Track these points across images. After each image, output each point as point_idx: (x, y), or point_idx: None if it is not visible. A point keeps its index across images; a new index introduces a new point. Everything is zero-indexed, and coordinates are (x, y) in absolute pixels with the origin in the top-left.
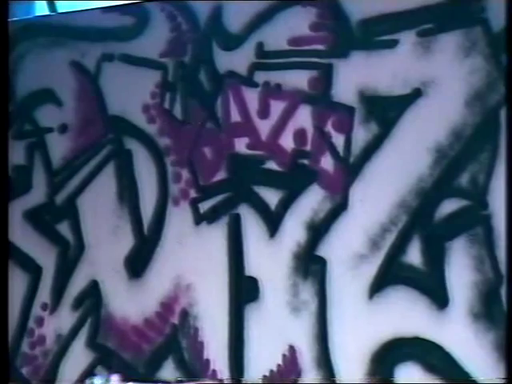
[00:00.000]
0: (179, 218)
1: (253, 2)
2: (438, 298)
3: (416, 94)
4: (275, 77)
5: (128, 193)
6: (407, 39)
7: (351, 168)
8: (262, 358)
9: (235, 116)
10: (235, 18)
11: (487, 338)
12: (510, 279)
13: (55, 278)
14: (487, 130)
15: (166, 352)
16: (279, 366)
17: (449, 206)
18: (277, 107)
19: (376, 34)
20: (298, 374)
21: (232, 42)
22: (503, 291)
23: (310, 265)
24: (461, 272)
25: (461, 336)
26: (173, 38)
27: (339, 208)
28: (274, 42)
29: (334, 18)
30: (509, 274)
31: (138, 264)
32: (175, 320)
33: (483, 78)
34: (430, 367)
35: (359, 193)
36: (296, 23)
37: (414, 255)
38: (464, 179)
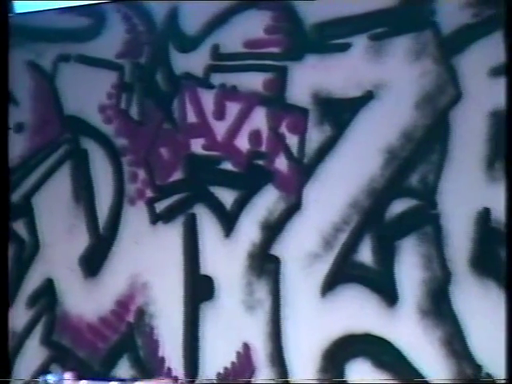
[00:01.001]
0: (135, 217)
1: (208, 5)
2: (388, 295)
3: (368, 97)
4: (231, 79)
5: (84, 192)
6: (359, 43)
7: (305, 169)
8: (216, 355)
9: (191, 117)
10: (191, 20)
11: (435, 335)
12: (509, 278)
13: (10, 276)
14: (437, 131)
15: (121, 350)
16: (233, 363)
17: (399, 206)
18: (232, 109)
19: (329, 37)
20: (252, 371)
21: (188, 44)
22: (451, 288)
23: (264, 264)
24: (410, 270)
25: (410, 332)
26: (129, 40)
27: (293, 208)
28: (230, 45)
29: (289, 22)
30: (508, 273)
31: (93, 263)
32: (131, 318)
33: (433, 80)
34: (380, 363)
35: (313, 193)
36: (251, 26)
37: (366, 254)
38: (414, 179)
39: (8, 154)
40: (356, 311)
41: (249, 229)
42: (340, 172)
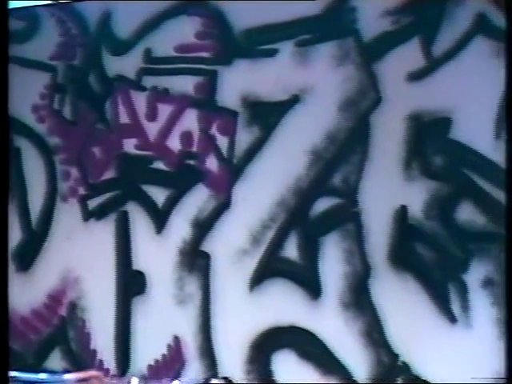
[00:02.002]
0: (68, 214)
1: (141, 8)
2: (312, 289)
3: (294, 100)
4: (162, 82)
5: (17, 189)
6: (286, 49)
7: (234, 169)
8: (147, 348)
9: (124, 118)
10: (124, 25)
11: (356, 326)
12: (509, 277)
13: None
14: (358, 133)
15: (53, 343)
16: (164, 355)
17: (323, 204)
18: (164, 110)
19: (257, 43)
20: (183, 363)
21: (121, 48)
22: (370, 282)
23: (195, 259)
24: (333, 265)
25: (332, 324)
26: (63, 42)
27: (223, 206)
28: (162, 49)
29: (219, 28)
30: (508, 272)
31: (25, 257)
32: (63, 312)
33: (355, 85)
34: (304, 353)
35: (242, 192)
36: (182, 31)
37: (291, 250)
38: (337, 179)
39: (8, 154)
40: (282, 304)
41: (180, 226)
42: (267, 172)
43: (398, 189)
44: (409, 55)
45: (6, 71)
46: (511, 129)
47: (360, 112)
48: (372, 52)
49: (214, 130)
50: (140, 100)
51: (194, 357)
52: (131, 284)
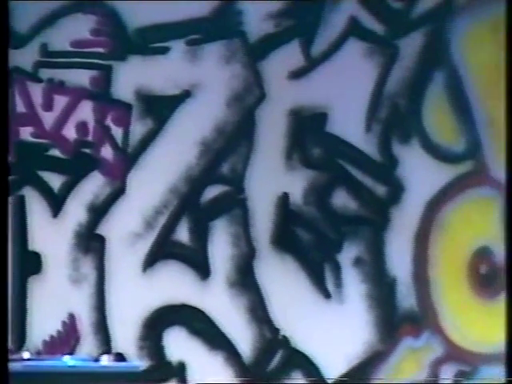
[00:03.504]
0: None
1: (39, 7)
2: (202, 270)
3: (185, 95)
4: (59, 74)
5: None
6: (177, 47)
7: (129, 157)
8: (43, 325)
9: (21, 107)
10: (21, 20)
11: (241, 303)
12: (509, 276)
13: None
14: (244, 127)
15: None
16: (59, 332)
17: (212, 192)
18: (60, 101)
19: (150, 41)
20: (77, 339)
21: (18, 41)
22: (255, 263)
23: (90, 242)
24: (221, 248)
25: (220, 302)
26: None
27: (118, 192)
28: (58, 44)
29: (113, 26)
30: (508, 271)
31: None
32: None
33: (241, 82)
34: (193, 330)
35: (136, 179)
36: (78, 28)
37: (183, 234)
38: (225, 168)
39: (8, 154)
40: (173, 284)
41: (76, 211)
42: (160, 161)
43: (280, 177)
44: (290, 55)
45: (6, 72)
46: (511, 129)
47: (246, 107)
48: (256, 52)
49: (108, 121)
50: (36, 91)
51: (88, 333)
52: (27, 264)
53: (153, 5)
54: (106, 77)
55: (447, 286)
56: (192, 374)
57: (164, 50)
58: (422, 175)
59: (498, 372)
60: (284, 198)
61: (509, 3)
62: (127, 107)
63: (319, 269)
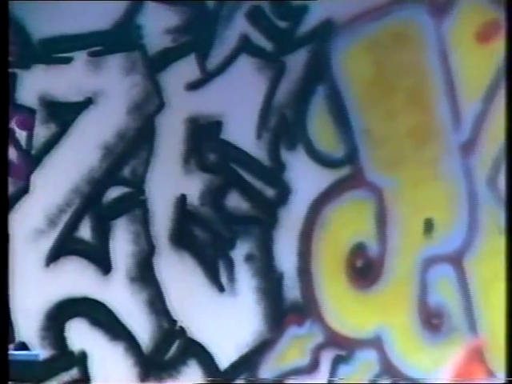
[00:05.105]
0: None
1: None
2: (104, 265)
3: (88, 102)
4: None
5: None
6: (80, 57)
7: (33, 159)
8: None
9: None
10: None
11: (141, 297)
12: (509, 276)
13: None
14: (145, 133)
15: None
16: None
17: (114, 192)
18: None
19: (54, 51)
20: None
21: None
22: (154, 259)
23: None
24: (122, 245)
25: (121, 296)
26: None
27: (22, 192)
28: None
29: (18, 35)
30: (508, 271)
31: None
32: None
33: (141, 91)
34: (95, 322)
35: (40, 180)
36: None
37: (85, 231)
38: (126, 171)
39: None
40: (76, 279)
41: None
42: (64, 163)
43: (179, 180)
44: (187, 68)
45: (6, 72)
46: (511, 130)
47: (146, 115)
48: (156, 64)
49: (13, 125)
50: None
51: None
52: None
53: (57, 16)
54: (11, 83)
55: (328, 279)
56: (93, 364)
57: (67, 60)
58: (306, 179)
59: (371, 356)
60: (182, 200)
61: (509, 3)
62: (31, 112)
63: (214, 265)
